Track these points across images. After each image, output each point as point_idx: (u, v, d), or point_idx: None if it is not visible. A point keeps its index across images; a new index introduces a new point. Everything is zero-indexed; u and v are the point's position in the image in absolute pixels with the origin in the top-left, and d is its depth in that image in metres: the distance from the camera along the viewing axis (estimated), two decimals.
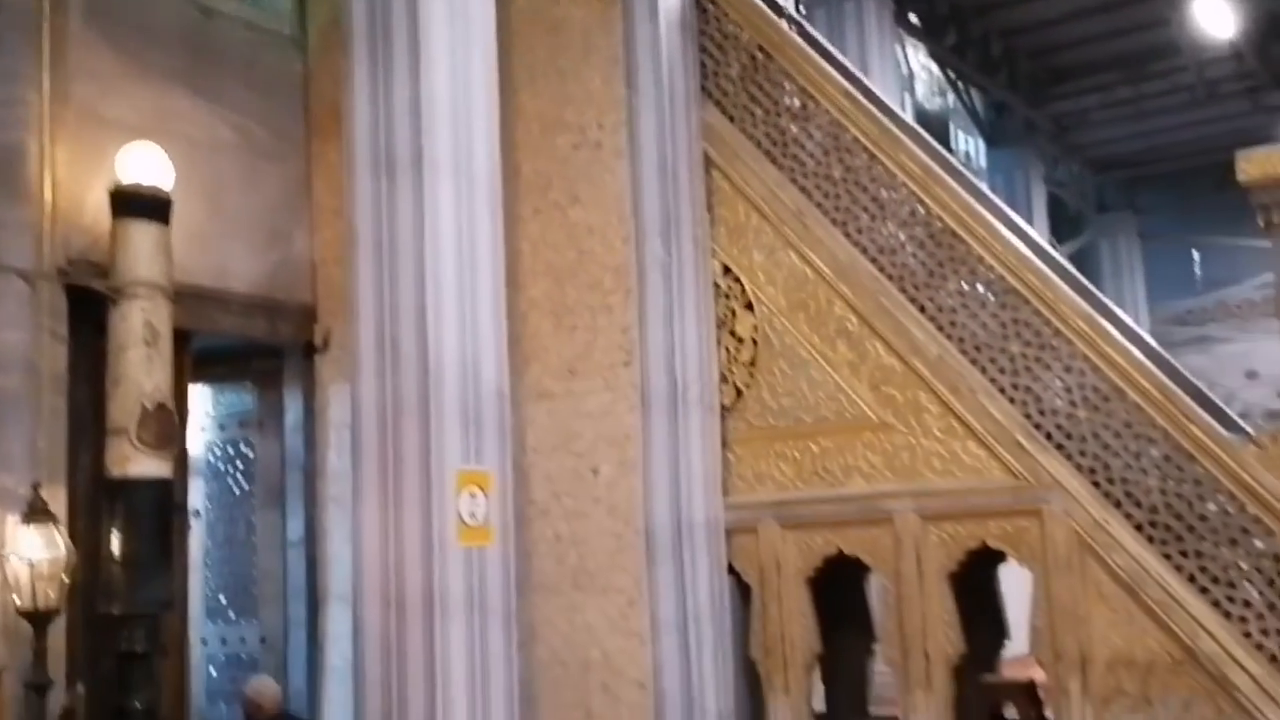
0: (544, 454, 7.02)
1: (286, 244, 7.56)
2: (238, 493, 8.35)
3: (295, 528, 7.77)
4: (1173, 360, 6.58)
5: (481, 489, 5.77)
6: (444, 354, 5.72)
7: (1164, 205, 20.82)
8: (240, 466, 8.35)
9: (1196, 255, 21.24)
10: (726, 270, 7.23)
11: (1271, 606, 5.69)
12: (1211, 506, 5.90)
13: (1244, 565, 5.79)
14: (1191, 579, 5.89)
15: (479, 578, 5.74)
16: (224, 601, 8.33)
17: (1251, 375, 19.10)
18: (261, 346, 7.75)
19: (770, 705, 6.85)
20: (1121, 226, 21.22)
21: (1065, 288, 6.49)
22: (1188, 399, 6.12)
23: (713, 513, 6.88)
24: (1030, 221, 14.75)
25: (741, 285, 7.17)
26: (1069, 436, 6.27)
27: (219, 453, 8.45)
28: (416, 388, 5.65)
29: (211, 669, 8.28)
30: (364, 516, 5.70)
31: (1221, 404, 6.58)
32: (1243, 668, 5.67)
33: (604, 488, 6.85)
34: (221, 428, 8.45)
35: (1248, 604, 5.75)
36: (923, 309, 6.69)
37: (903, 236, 6.81)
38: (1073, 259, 20.06)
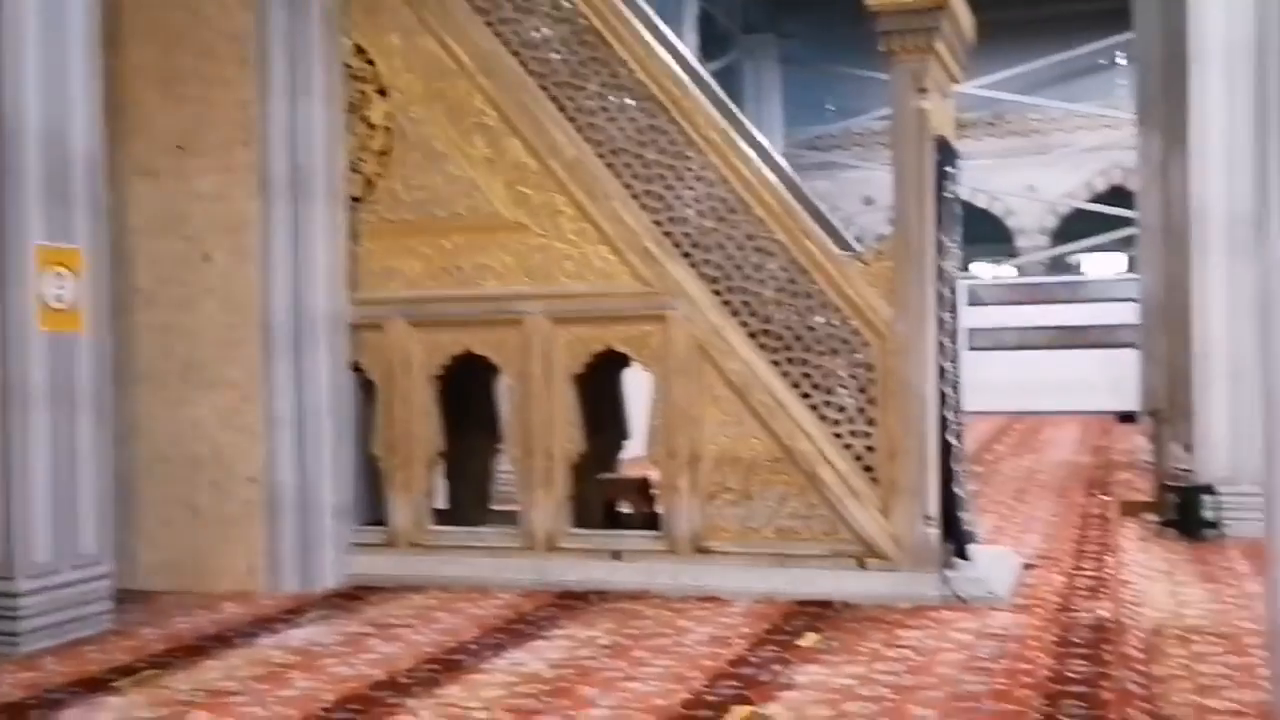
0: (148, 236, 6.43)
1: None
2: None
3: None
4: (796, 180, 6.82)
5: (69, 269, 5.19)
6: (22, 115, 5.03)
7: (807, 32, 21.57)
8: None
9: (834, 83, 22.25)
10: (360, 51, 6.76)
11: (861, 411, 6.14)
12: (819, 319, 6.24)
13: (842, 373, 6.19)
14: (795, 385, 6.25)
15: (66, 366, 5.24)
16: None
17: (869, 201, 20.58)
18: None
19: (391, 501, 6.80)
20: (765, 49, 21.89)
21: (703, 100, 6.53)
22: (806, 217, 6.38)
23: (336, 307, 6.59)
24: (679, 35, 14.81)
25: (376, 68, 6.74)
26: (696, 246, 6.41)
27: None
28: None
29: None
30: None
31: (838, 225, 6.92)
32: (832, 466, 6.13)
33: (218, 277, 6.39)
34: None
35: (841, 409, 6.18)
36: (563, 109, 6.56)
37: (548, 32, 6.58)
38: (717, 77, 20.61)
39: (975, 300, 18.84)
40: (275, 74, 6.32)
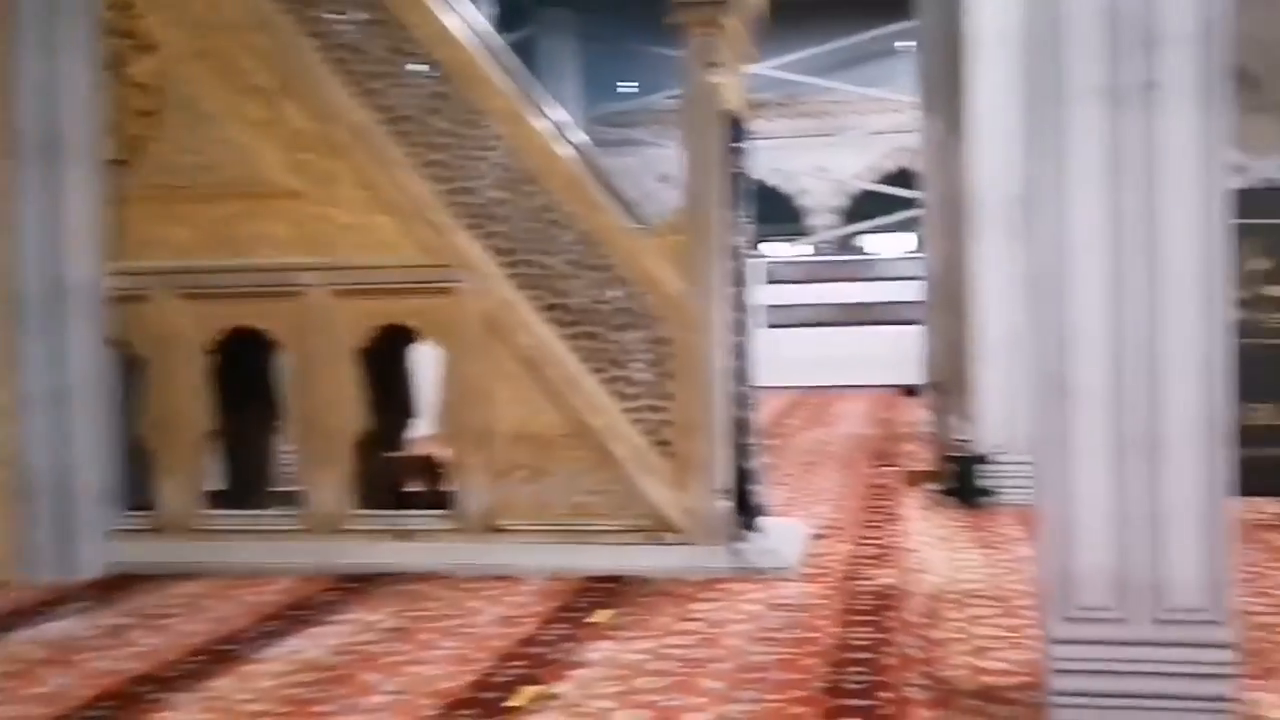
0: None
1: None
2: None
3: None
4: (591, 153, 6.72)
5: None
6: None
7: (605, 7, 21.50)
8: None
9: (633, 60, 22.27)
10: (125, 4, 6.29)
11: (654, 386, 6.11)
12: (613, 293, 6.17)
13: (636, 348, 6.14)
14: (589, 360, 6.17)
15: None
16: None
17: (664, 179, 20.70)
18: None
19: (159, 484, 6.40)
20: (563, 23, 21.75)
21: (494, 69, 6.35)
22: (599, 190, 6.29)
23: (94, 279, 6.13)
24: (476, 5, 14.52)
25: (141, 22, 6.30)
26: (486, 217, 6.25)
27: None
28: None
29: None
30: None
31: (632, 199, 6.86)
32: (626, 441, 6.08)
33: None
34: None
35: (636, 384, 6.13)
36: (345, 73, 6.27)
37: None
38: (515, 48, 20.40)
39: (772, 278, 19.22)
40: (26, 26, 5.82)
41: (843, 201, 22.03)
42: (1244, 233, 8.29)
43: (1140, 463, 3.96)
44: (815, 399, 17.37)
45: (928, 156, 11.11)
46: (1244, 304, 8.21)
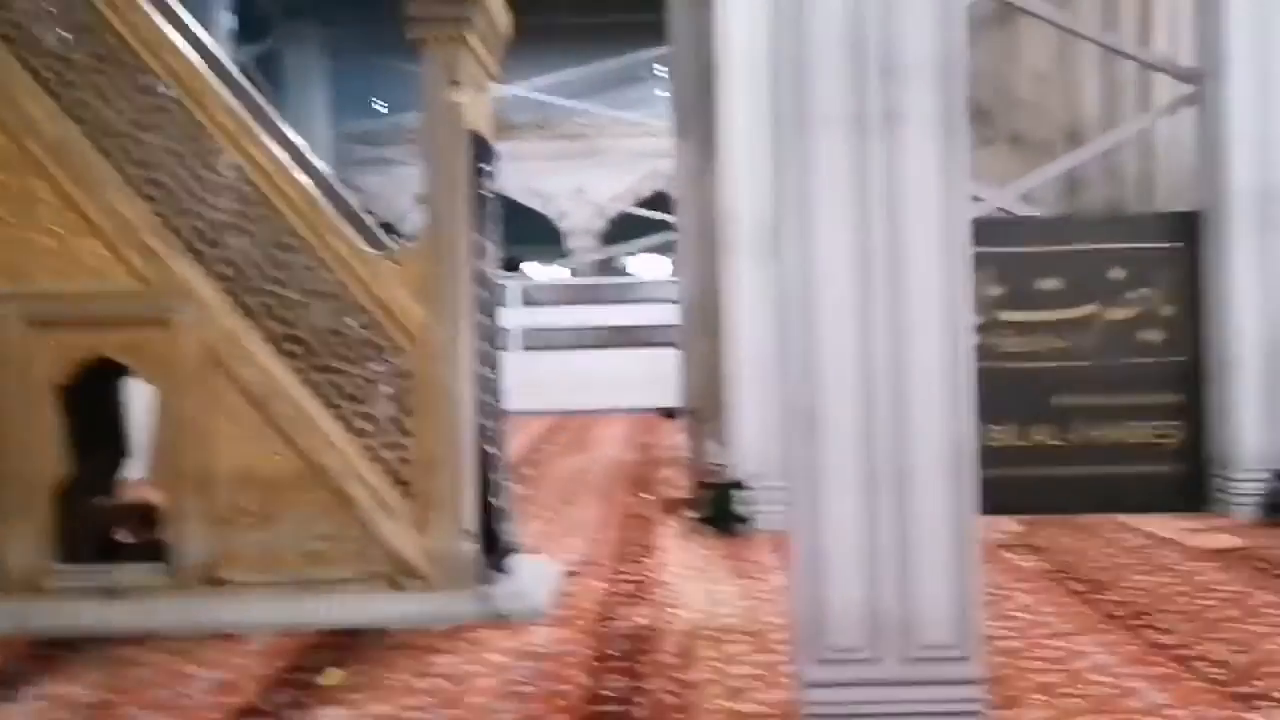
0: None
1: None
2: None
3: None
4: (327, 174, 6.30)
5: None
6: None
7: (354, 21, 20.85)
8: None
9: (384, 77, 21.68)
10: None
11: (394, 421, 5.73)
12: (350, 321, 5.76)
13: (374, 381, 5.75)
14: (323, 395, 5.74)
15: None
16: None
17: (420, 200, 20.26)
18: None
19: None
20: (310, 36, 20.95)
21: (216, 82, 5.84)
22: (334, 213, 5.87)
23: None
24: (212, 15, 13.73)
25: None
26: (207, 242, 5.73)
27: None
28: None
29: None
30: None
31: (377, 223, 6.47)
32: (363, 481, 5.67)
33: None
34: None
35: (374, 419, 5.74)
36: (43, 82, 5.65)
37: None
38: (257, 63, 19.57)
39: (529, 300, 19.00)
40: None
41: (601, 224, 22.07)
42: (979, 261, 8.65)
43: (890, 495, 3.89)
44: (575, 423, 17.21)
45: (682, 180, 11.13)
46: (980, 329, 8.50)
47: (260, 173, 5.75)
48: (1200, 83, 8.51)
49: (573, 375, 18.26)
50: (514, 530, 6.17)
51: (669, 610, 5.78)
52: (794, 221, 3.90)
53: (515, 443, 14.63)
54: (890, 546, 3.88)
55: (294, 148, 6.14)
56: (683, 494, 9.27)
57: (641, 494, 9.84)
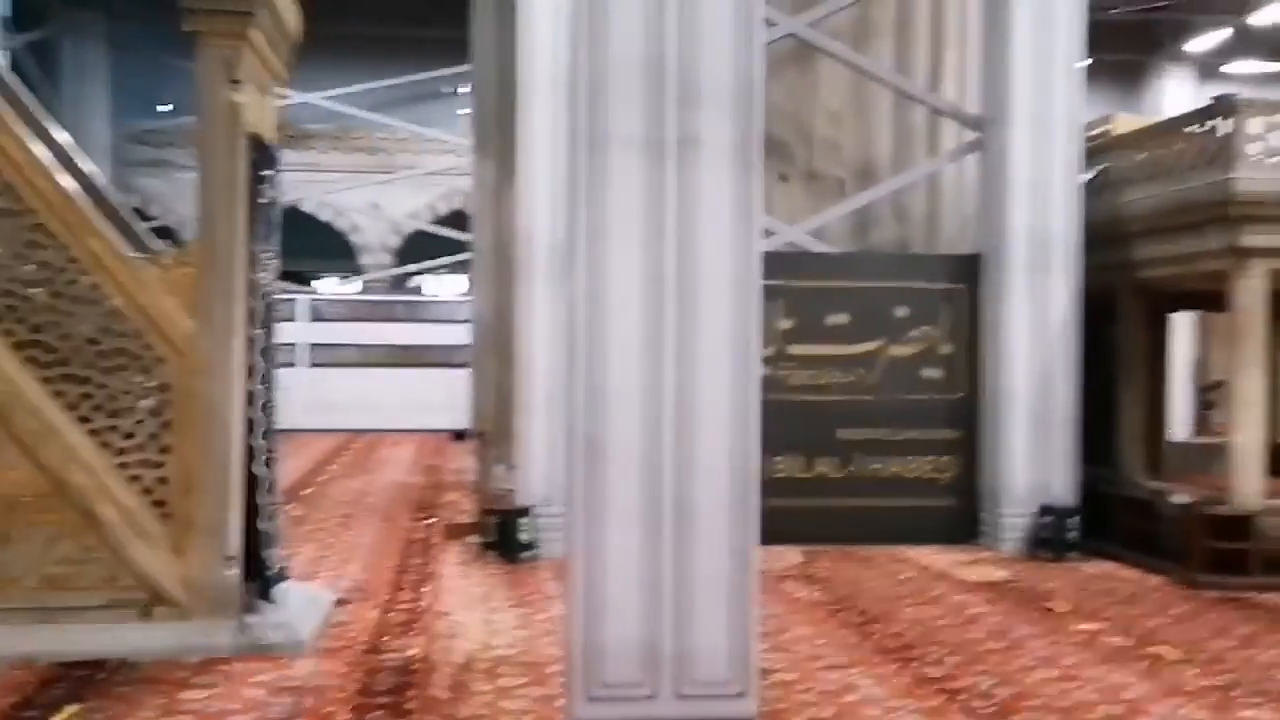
0: None
1: None
2: None
3: None
4: (93, 172, 5.87)
5: None
6: None
7: (140, 16, 19.77)
8: None
9: (169, 75, 20.66)
10: None
11: (153, 438, 5.33)
12: (107, 329, 5.34)
13: (132, 395, 5.34)
14: (73, 407, 5.29)
15: None
16: None
17: None
18: None
19: None
20: (91, 28, 19.76)
21: None
22: (95, 213, 5.45)
23: None
24: None
25: None
26: None
27: None
28: None
29: None
30: None
31: (150, 227, 6.05)
32: (115, 502, 5.25)
33: None
34: None
35: (130, 436, 5.33)
36: None
37: None
38: (33, 51, 18.33)
39: (318, 316, 18.35)
40: None
41: (396, 241, 21.48)
42: (770, 294, 8.77)
43: (671, 527, 3.80)
44: (362, 443, 16.71)
45: (479, 200, 10.95)
46: (769, 361, 8.60)
47: (11, 166, 5.28)
48: (984, 129, 8.88)
49: (362, 394, 17.74)
50: (282, 556, 5.82)
51: (445, 640, 5.56)
52: (585, 244, 3.79)
53: (296, 462, 14.09)
54: (670, 579, 3.79)
55: (56, 144, 5.69)
56: (468, 519, 9.03)
57: (425, 518, 9.54)
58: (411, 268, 21.01)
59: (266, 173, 5.72)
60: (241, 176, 5.47)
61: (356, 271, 21.57)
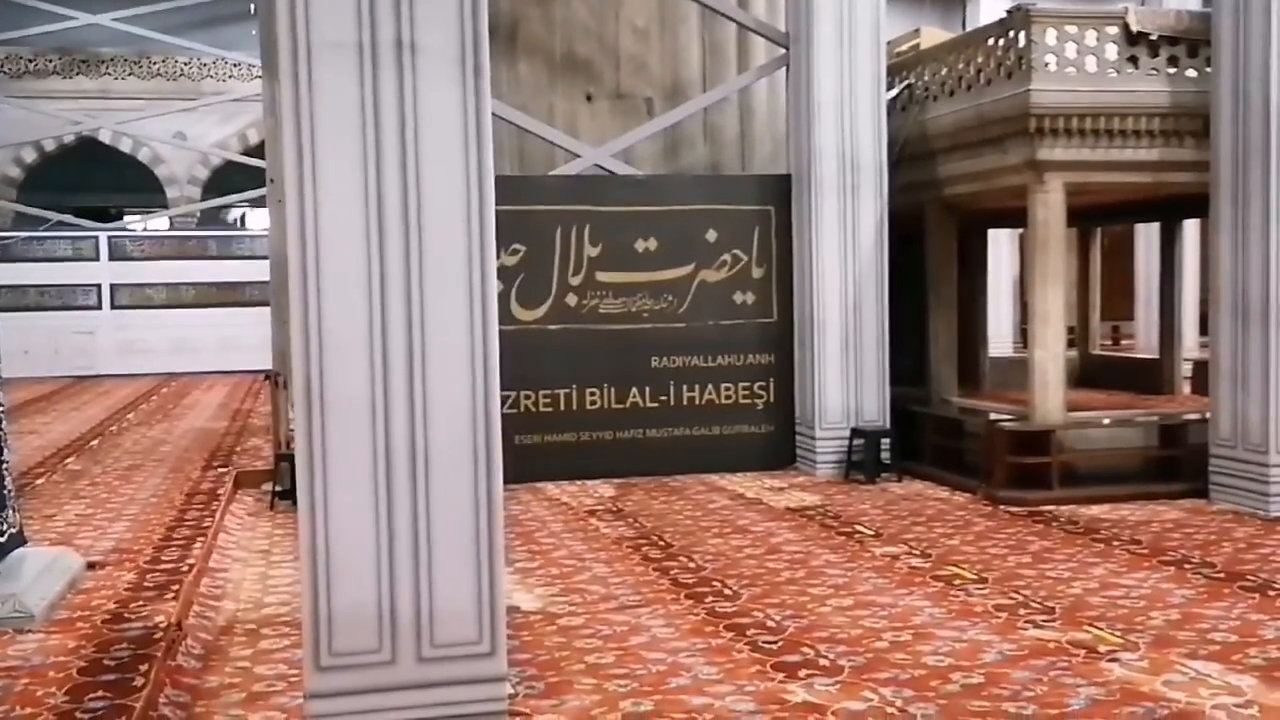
0: None
1: None
2: None
3: None
4: None
5: None
6: None
7: None
8: None
9: None
10: None
11: None
12: None
13: None
14: None
15: None
16: None
17: None
18: None
19: None
20: None
21: None
22: None
23: None
24: None
25: None
26: None
27: None
28: None
29: None
30: None
31: None
32: None
33: None
34: None
35: None
36: None
37: None
38: None
39: (120, 254, 17.28)
40: None
41: (203, 173, 20.19)
42: (578, 219, 8.41)
43: (405, 479, 3.45)
44: (170, 388, 15.86)
45: (269, 124, 10.25)
46: (578, 289, 8.28)
47: None
48: (790, 46, 8.62)
49: (172, 336, 16.82)
50: (15, 519, 5.27)
51: (209, 603, 5.13)
52: (296, 164, 3.37)
53: (91, 411, 13.27)
54: (406, 535, 3.45)
55: None
56: (264, 466, 8.53)
57: (218, 467, 8.99)
58: (220, 201, 19.84)
59: None
60: None
61: (164, 206, 20.32)
